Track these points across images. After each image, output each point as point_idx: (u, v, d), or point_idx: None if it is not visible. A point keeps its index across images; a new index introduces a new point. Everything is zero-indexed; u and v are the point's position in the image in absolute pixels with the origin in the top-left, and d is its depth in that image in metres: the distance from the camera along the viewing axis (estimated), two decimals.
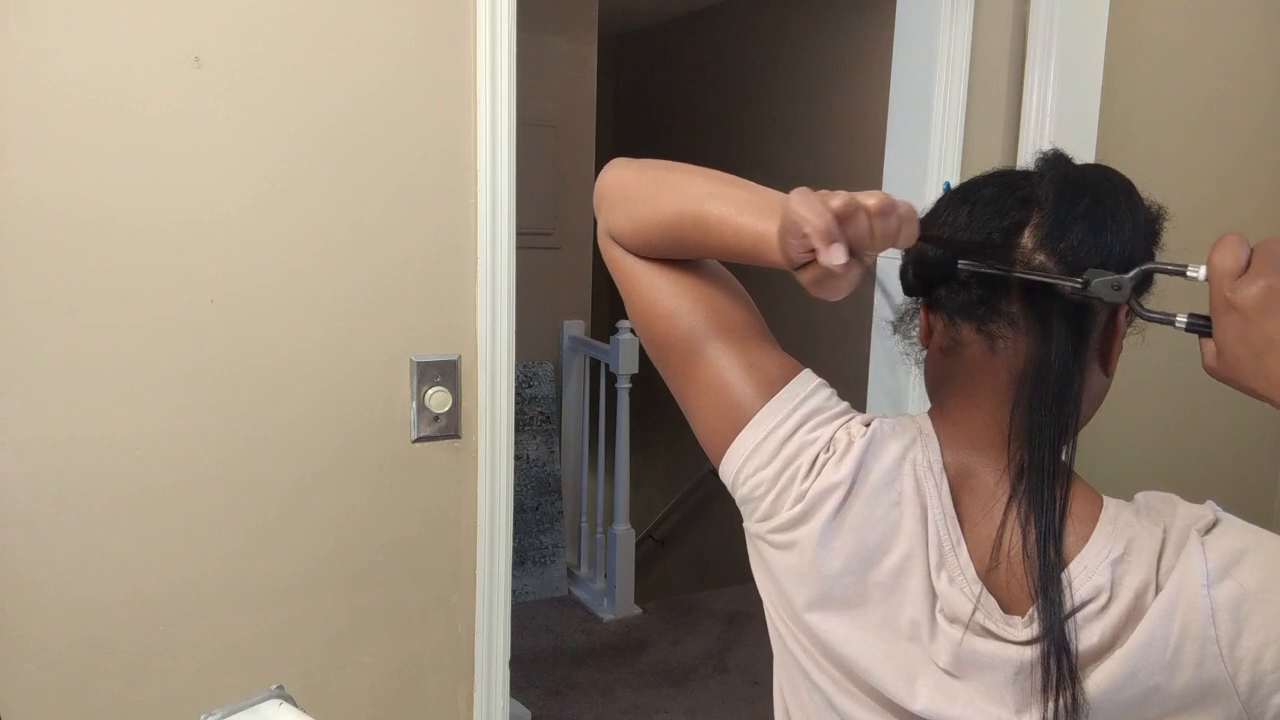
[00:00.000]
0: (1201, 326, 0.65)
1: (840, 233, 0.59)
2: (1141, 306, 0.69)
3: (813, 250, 0.60)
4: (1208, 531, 0.65)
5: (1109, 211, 0.71)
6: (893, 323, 0.85)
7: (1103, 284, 0.68)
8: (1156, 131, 1.95)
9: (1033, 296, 0.71)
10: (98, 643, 1.24)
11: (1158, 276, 0.71)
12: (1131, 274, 0.68)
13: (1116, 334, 0.74)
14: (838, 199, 0.60)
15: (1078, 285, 0.68)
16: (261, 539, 1.32)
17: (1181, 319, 0.67)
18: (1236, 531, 0.66)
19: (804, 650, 0.76)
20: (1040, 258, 0.70)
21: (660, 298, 0.80)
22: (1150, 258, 0.74)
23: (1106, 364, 0.75)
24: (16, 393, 1.16)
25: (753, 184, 0.75)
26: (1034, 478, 0.71)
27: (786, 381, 0.77)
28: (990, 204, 0.74)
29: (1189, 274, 0.65)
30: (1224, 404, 1.94)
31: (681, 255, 0.79)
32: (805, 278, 0.64)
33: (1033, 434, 0.71)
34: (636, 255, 0.81)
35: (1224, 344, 0.62)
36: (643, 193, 0.79)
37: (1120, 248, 0.70)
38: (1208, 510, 0.68)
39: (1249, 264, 0.61)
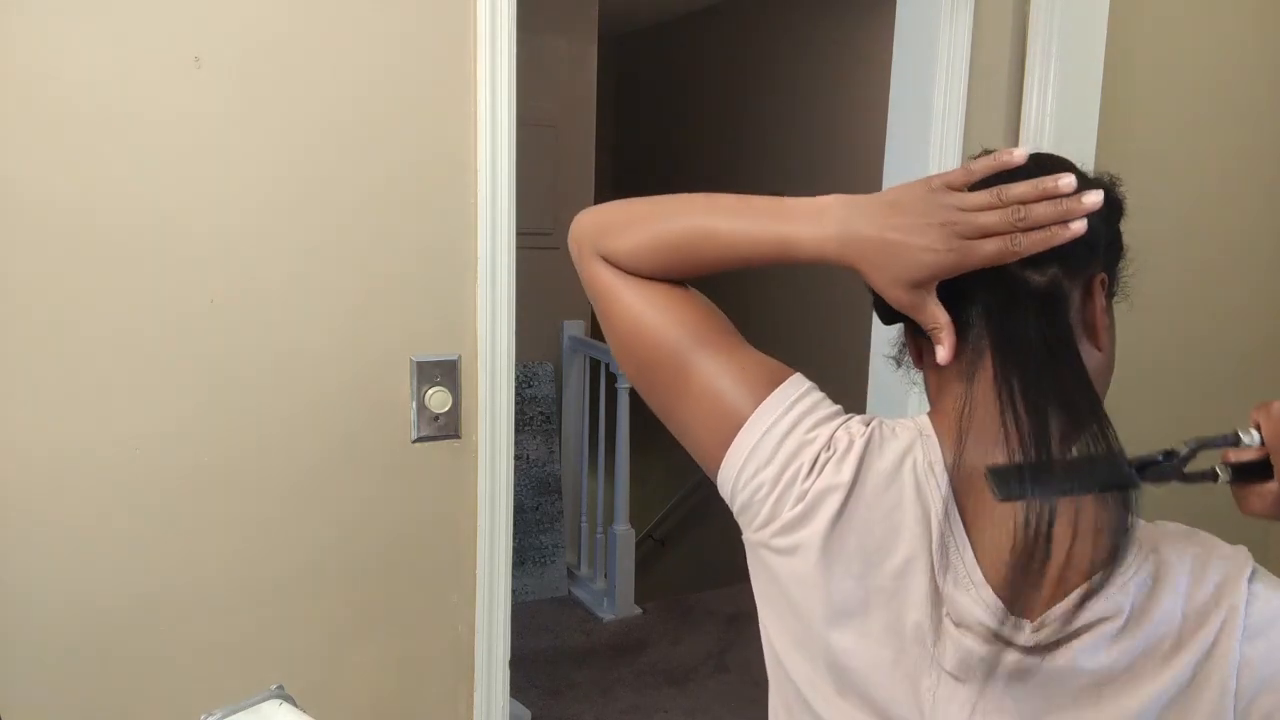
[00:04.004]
0: (1250, 473, 0.63)
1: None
2: (1186, 476, 0.66)
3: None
4: (1251, 582, 0.66)
5: None
6: (893, 358, 0.85)
7: (1156, 472, 0.65)
8: (1156, 131, 1.94)
9: (998, 297, 0.71)
10: (98, 643, 1.24)
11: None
12: (1184, 453, 0.66)
13: (1095, 308, 0.72)
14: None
15: (1135, 484, 0.65)
16: (262, 539, 1.32)
17: (1224, 475, 0.65)
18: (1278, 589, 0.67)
19: (807, 678, 0.75)
20: None
21: (644, 313, 0.81)
22: (1113, 227, 0.74)
23: (1095, 339, 0.73)
24: (16, 393, 1.16)
25: (734, 195, 0.78)
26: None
27: (778, 384, 0.77)
28: None
29: (1244, 441, 0.65)
30: (1227, 408, 1.93)
31: (684, 271, 0.81)
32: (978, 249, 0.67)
33: (1037, 431, 0.68)
34: (626, 273, 0.82)
35: None
36: (642, 217, 0.82)
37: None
38: (1244, 556, 0.68)
39: None
